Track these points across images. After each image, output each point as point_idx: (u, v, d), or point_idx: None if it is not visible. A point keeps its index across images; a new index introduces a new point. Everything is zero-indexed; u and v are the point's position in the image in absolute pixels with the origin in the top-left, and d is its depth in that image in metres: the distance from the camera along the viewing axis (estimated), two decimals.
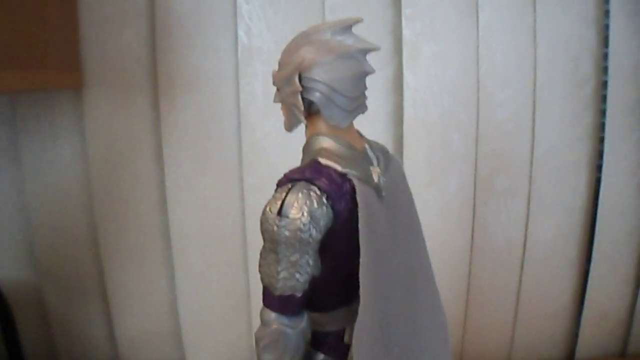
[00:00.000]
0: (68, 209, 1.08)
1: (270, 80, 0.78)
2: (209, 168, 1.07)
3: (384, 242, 0.52)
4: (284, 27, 1.01)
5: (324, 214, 0.47)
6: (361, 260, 0.47)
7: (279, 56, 0.56)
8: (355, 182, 0.49)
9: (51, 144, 1.05)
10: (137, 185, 1.08)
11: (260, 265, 0.50)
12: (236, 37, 1.02)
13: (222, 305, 1.13)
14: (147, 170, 1.08)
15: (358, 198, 0.48)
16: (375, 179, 0.52)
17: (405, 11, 1.02)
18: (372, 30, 1.03)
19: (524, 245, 1.13)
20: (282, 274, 0.48)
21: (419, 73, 1.04)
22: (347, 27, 0.51)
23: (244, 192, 1.07)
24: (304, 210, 0.47)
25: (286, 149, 1.01)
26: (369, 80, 0.53)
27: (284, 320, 0.49)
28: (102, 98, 1.03)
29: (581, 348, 1.18)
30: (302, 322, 0.50)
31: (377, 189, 0.52)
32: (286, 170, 0.52)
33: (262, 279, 0.50)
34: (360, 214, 0.48)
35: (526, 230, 1.12)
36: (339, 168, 0.49)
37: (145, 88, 1.04)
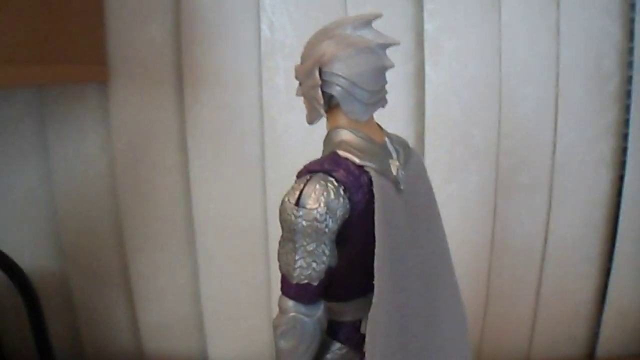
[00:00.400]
0: (93, 200, 1.11)
1: (292, 74, 0.80)
2: (232, 160, 1.08)
3: (401, 234, 0.53)
4: (307, 21, 1.02)
5: (341, 205, 0.49)
6: (376, 251, 0.48)
7: (301, 50, 0.57)
8: (373, 174, 0.50)
9: (77, 135, 1.07)
10: (161, 176, 1.10)
11: (278, 254, 0.52)
12: (259, 31, 1.03)
13: (243, 295, 1.14)
14: (171, 161, 1.09)
15: (375, 190, 0.49)
16: (394, 172, 0.53)
17: (427, 6, 1.02)
18: (393, 25, 1.04)
19: (545, 241, 1.12)
20: (299, 263, 0.49)
21: (441, 68, 1.04)
22: (367, 22, 0.52)
23: (266, 184, 1.08)
24: (321, 201, 0.48)
25: (307, 142, 1.02)
26: (390, 75, 0.54)
27: (301, 308, 0.50)
28: (128, 91, 1.05)
29: (602, 346, 1.17)
30: (319, 311, 0.51)
31: (395, 182, 0.53)
32: (306, 161, 0.53)
33: (280, 267, 0.52)
34: (376, 206, 0.49)
35: (547, 226, 1.11)
36: (357, 160, 0.50)
37: (169, 81, 1.06)
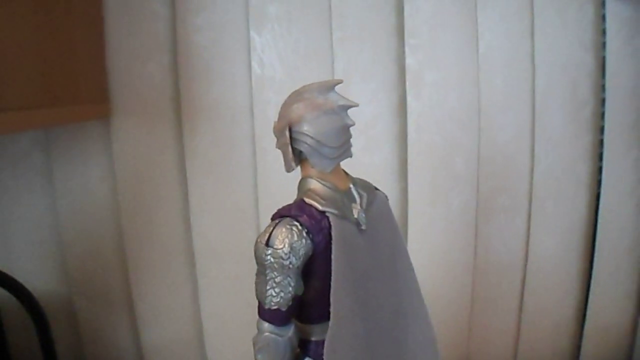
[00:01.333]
0: (97, 227, 1.17)
1: None
2: (229, 189, 1.14)
3: (362, 268, 0.61)
4: (294, 58, 1.09)
5: (303, 245, 0.57)
6: (332, 284, 0.56)
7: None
8: (332, 218, 0.58)
9: (81, 167, 1.14)
10: (162, 205, 1.16)
11: (255, 284, 0.60)
12: (250, 68, 1.09)
13: (242, 316, 1.19)
14: (171, 191, 1.16)
15: (333, 232, 0.57)
16: (355, 214, 0.61)
17: (409, 41, 1.09)
18: (377, 60, 1.10)
19: (526, 261, 1.18)
20: (269, 292, 0.58)
21: (422, 99, 1.10)
22: (331, 87, 0.60)
23: (259, 210, 1.14)
24: (286, 242, 0.56)
25: (296, 172, 1.08)
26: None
27: (274, 329, 0.59)
28: (129, 125, 1.11)
29: None
30: (289, 332, 0.60)
31: (357, 223, 0.61)
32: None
33: (256, 295, 0.60)
34: (333, 245, 0.57)
35: (527, 247, 1.17)
36: (319, 207, 0.58)
37: (168, 116, 1.12)
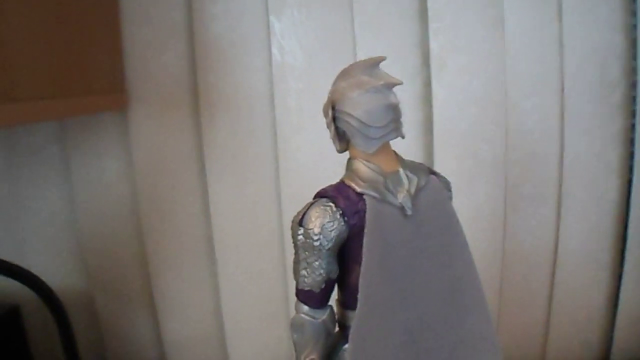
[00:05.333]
0: (116, 221, 1.15)
1: (303, 96, 1.06)
2: (249, 180, 1.12)
3: (404, 255, 0.58)
4: (315, 44, 1.06)
5: (335, 227, 0.56)
6: (362, 269, 0.55)
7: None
8: (368, 201, 0.57)
9: (98, 160, 1.12)
10: (181, 198, 1.14)
11: (293, 263, 0.60)
12: (270, 55, 1.07)
13: (262, 311, 1.18)
14: (190, 183, 1.14)
15: (367, 215, 0.56)
16: (400, 199, 0.58)
17: (432, 25, 1.05)
18: (400, 45, 1.07)
19: (555, 250, 1.14)
20: (302, 272, 0.58)
21: (447, 85, 1.07)
22: (375, 64, 0.59)
23: (281, 202, 1.12)
24: (317, 222, 0.56)
25: (319, 161, 1.06)
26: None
27: (308, 310, 0.59)
28: (146, 116, 1.09)
29: (616, 351, 1.19)
30: (324, 315, 0.59)
31: (401, 208, 0.58)
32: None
33: (293, 275, 0.60)
34: (366, 229, 0.56)
35: (557, 235, 1.14)
36: (357, 189, 0.57)
37: (186, 106, 1.10)
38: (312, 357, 0.59)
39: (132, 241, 1.17)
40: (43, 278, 0.95)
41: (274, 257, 1.15)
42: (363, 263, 0.55)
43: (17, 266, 0.91)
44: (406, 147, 1.08)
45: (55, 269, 1.17)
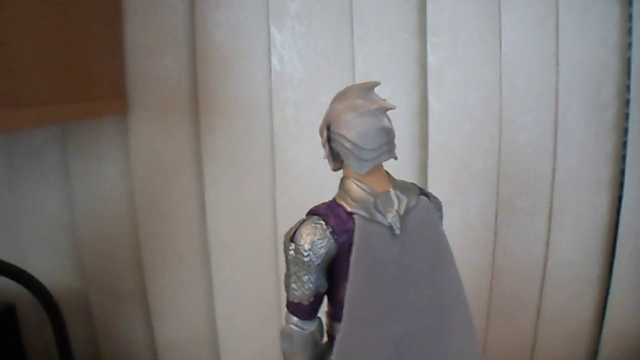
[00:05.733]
0: (113, 223, 1.17)
1: (301, 106, 1.07)
2: (245, 186, 1.14)
3: (391, 274, 0.60)
4: (314, 55, 1.07)
5: (325, 245, 0.58)
6: (348, 285, 0.57)
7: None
8: (357, 220, 0.59)
9: (98, 163, 1.13)
10: (178, 202, 1.16)
11: (284, 276, 0.62)
12: (270, 65, 1.08)
13: (255, 315, 1.20)
14: (188, 187, 1.15)
15: (356, 233, 0.58)
16: (389, 218, 0.60)
17: (431, 39, 1.07)
18: (399, 59, 1.09)
19: (545, 264, 1.16)
20: (292, 286, 0.60)
21: (444, 98, 1.08)
22: (369, 88, 0.61)
23: (277, 209, 1.13)
24: (307, 239, 0.58)
25: (315, 170, 1.08)
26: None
27: (297, 321, 0.61)
28: (146, 121, 1.11)
29: None
30: (312, 327, 0.62)
31: (390, 228, 0.60)
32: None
33: (284, 287, 0.62)
34: (354, 247, 0.58)
35: (547, 249, 1.15)
36: (348, 208, 0.60)
37: (186, 112, 1.11)
38: None
39: (129, 243, 1.18)
40: (40, 278, 0.96)
41: (268, 263, 1.16)
42: (350, 278, 0.57)
43: (12, 265, 0.92)
44: (401, 159, 1.09)
45: (52, 269, 1.18)
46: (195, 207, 1.16)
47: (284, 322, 0.63)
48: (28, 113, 0.80)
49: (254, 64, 1.09)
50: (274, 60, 1.08)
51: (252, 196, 1.13)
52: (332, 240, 0.59)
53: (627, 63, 1.10)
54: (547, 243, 1.15)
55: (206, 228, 1.15)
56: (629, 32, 1.09)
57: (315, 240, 0.58)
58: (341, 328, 0.58)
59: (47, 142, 1.13)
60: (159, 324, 1.21)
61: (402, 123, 1.10)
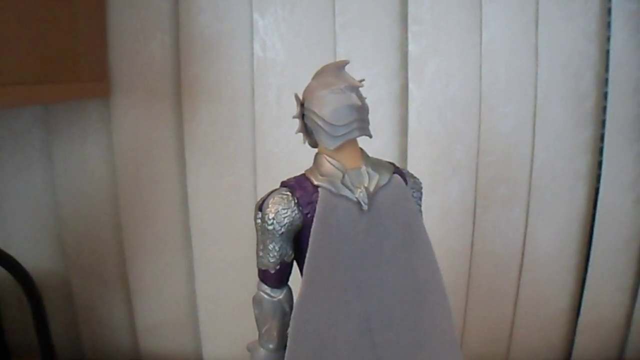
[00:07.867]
0: (95, 205, 1.17)
1: (282, 91, 1.05)
2: (227, 171, 1.14)
3: (357, 248, 0.61)
4: (296, 41, 1.08)
5: (288, 215, 0.60)
6: (307, 255, 0.59)
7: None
8: (322, 193, 0.60)
9: (80, 145, 1.14)
10: (160, 185, 1.16)
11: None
12: (252, 50, 1.09)
13: (237, 298, 1.19)
14: (169, 171, 1.16)
15: (318, 205, 0.60)
16: (356, 194, 0.61)
17: (412, 28, 1.08)
18: (380, 46, 1.10)
19: (523, 252, 1.18)
20: (259, 253, 0.64)
21: (424, 87, 1.10)
22: (341, 67, 0.62)
23: (257, 193, 1.14)
24: (273, 209, 0.60)
25: (295, 154, 1.09)
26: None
27: (265, 288, 0.64)
28: (129, 104, 1.11)
29: (577, 353, 1.22)
30: (280, 295, 0.64)
31: (357, 203, 0.61)
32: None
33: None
34: (315, 219, 0.60)
35: (525, 237, 1.17)
36: (314, 181, 0.61)
37: (168, 96, 1.12)
38: (272, 332, 0.64)
39: (110, 226, 1.18)
40: (21, 259, 0.97)
41: (249, 247, 1.15)
42: (309, 248, 0.59)
43: None
44: (381, 145, 1.12)
45: (34, 251, 1.19)
46: (177, 191, 1.17)
47: None
48: (10, 92, 0.81)
49: (237, 49, 1.10)
50: (257, 45, 1.09)
51: (233, 180, 1.14)
52: (297, 211, 0.60)
53: (606, 55, 1.11)
54: (525, 231, 1.17)
55: (188, 212, 1.16)
56: (608, 25, 1.10)
57: (280, 210, 0.60)
58: (299, 296, 0.59)
59: (31, 123, 1.14)
60: (140, 307, 1.21)
61: (382, 110, 1.11)
